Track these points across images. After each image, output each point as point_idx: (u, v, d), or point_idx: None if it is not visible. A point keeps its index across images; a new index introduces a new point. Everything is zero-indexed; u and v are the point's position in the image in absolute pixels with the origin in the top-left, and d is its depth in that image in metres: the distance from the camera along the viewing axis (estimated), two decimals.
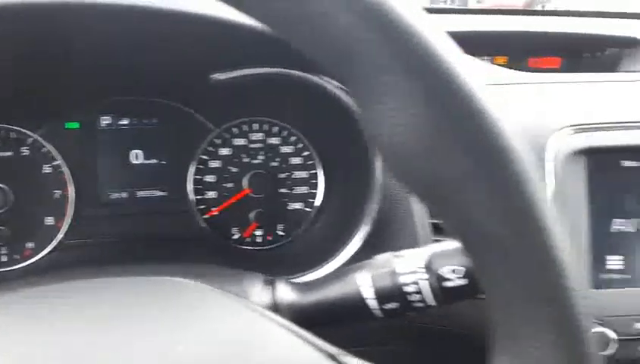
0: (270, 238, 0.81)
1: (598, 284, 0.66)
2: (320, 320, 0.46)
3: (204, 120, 0.78)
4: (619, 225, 0.67)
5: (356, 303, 0.45)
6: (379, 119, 0.25)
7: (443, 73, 0.24)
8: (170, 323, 0.28)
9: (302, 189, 0.82)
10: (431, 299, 0.43)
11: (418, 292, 0.43)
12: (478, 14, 0.98)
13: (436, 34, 0.24)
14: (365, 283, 0.44)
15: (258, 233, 0.81)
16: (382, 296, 0.44)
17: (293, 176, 0.81)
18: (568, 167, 0.66)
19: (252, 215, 0.79)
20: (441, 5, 1.21)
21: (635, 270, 0.67)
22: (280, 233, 0.81)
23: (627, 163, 0.68)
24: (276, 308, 0.46)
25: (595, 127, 0.67)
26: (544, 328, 0.27)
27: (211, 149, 0.79)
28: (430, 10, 0.97)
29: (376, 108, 0.25)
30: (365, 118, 0.26)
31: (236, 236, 0.81)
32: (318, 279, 0.47)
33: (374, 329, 0.64)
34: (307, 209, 0.81)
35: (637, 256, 0.67)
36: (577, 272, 0.66)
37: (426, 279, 0.42)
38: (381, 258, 0.46)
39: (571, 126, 0.67)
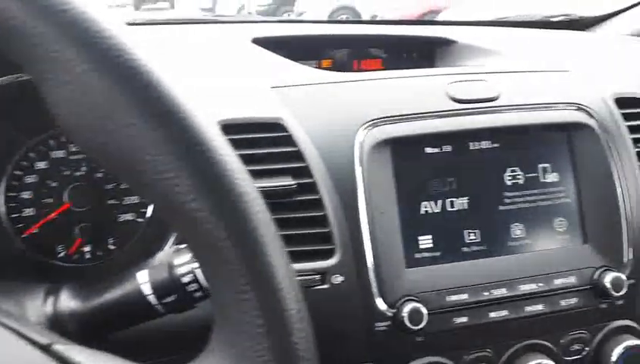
0: (100, 253, 0.78)
1: (412, 263, 0.71)
2: (106, 324, 0.45)
3: (12, 132, 0.73)
4: (426, 207, 0.73)
5: (138, 302, 0.44)
6: (55, 97, 0.25)
7: (101, 42, 0.25)
8: None
9: (132, 200, 0.79)
10: (207, 287, 0.43)
11: (195, 281, 0.43)
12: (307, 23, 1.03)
13: (95, 10, 0.25)
14: (143, 280, 0.44)
15: (87, 248, 0.77)
16: (160, 290, 0.44)
17: (121, 186, 0.79)
18: (375, 157, 0.70)
19: (77, 231, 0.76)
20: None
21: (443, 247, 0.73)
22: (111, 246, 0.78)
23: (429, 149, 0.74)
24: (57, 318, 0.44)
25: (398, 118, 0.72)
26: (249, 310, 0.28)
27: (25, 163, 0.75)
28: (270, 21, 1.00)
29: (47, 87, 0.25)
30: (45, 99, 0.26)
31: (61, 254, 0.76)
32: (101, 283, 0.46)
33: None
34: (139, 220, 0.79)
35: (444, 235, 0.73)
36: (392, 254, 0.70)
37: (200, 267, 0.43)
38: (162, 254, 0.46)
39: (376, 119, 0.72)
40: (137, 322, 0.45)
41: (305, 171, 0.68)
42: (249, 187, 0.28)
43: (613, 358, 0.76)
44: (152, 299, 0.43)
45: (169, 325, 0.47)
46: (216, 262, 0.28)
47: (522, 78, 0.82)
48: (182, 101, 0.26)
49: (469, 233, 0.74)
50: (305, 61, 0.91)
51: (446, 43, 0.99)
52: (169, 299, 0.43)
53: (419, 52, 0.98)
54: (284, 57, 0.83)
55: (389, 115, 0.72)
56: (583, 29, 1.22)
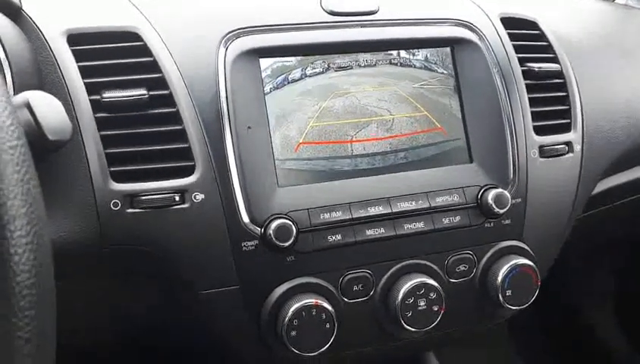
0: None
1: (285, 182, 0.67)
2: None
3: None
4: None
5: None
6: None
7: None
8: None
9: None
10: None
11: None
12: None
13: None
14: None
15: None
16: None
17: None
18: (241, 70, 0.65)
19: None
20: None
21: (316, 166, 0.69)
22: None
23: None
24: None
25: (265, 29, 0.68)
26: None
27: None
28: None
29: None
30: None
31: None
32: None
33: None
34: None
35: (322, 153, 0.69)
36: (262, 171, 0.65)
37: None
38: None
39: (240, 28, 0.67)
40: None
41: (160, 83, 0.63)
42: None
43: (500, 277, 0.74)
44: None
45: None
46: None
47: None
48: None
49: (349, 151, 0.71)
50: None
51: None
52: None
53: None
54: None
55: (255, 25, 0.67)
56: None
